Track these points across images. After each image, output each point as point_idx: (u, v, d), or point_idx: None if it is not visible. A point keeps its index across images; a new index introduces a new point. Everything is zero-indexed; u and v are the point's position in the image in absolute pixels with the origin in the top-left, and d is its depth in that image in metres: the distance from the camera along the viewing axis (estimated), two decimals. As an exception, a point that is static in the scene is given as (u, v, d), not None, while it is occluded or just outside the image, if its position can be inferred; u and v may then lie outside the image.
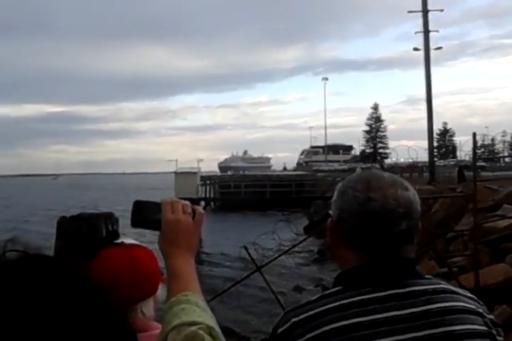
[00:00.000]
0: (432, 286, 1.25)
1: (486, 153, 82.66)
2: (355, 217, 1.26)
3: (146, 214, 1.18)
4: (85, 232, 1.59)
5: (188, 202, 1.19)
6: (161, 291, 1.51)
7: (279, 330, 1.22)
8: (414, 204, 1.27)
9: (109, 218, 1.65)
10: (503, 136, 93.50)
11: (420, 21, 27.40)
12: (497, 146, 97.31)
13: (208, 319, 1.02)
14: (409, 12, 28.18)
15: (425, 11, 27.22)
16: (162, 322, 1.03)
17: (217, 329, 1.00)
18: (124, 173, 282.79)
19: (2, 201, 57.04)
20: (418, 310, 1.19)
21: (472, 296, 1.30)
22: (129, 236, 1.64)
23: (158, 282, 1.53)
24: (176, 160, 59.45)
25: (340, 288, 1.25)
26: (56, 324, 0.70)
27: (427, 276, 1.30)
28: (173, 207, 1.16)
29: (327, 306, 1.21)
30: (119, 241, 1.56)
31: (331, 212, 1.34)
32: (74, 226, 1.61)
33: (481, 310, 1.25)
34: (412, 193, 1.29)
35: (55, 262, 0.79)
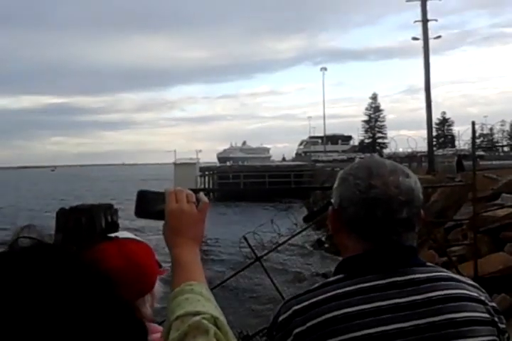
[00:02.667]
0: (433, 274, 1.25)
1: (484, 143, 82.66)
2: (356, 205, 1.25)
3: (150, 204, 1.18)
4: (84, 224, 1.56)
5: (191, 192, 1.18)
6: (159, 287, 1.46)
7: (280, 318, 1.22)
8: (416, 191, 1.27)
9: (109, 209, 1.63)
10: (501, 125, 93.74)
11: (420, 10, 27.31)
12: (496, 136, 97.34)
13: (213, 309, 1.01)
14: (407, 1, 28.06)
15: (424, 0, 27.09)
16: (166, 312, 1.02)
17: (222, 318, 0.99)
18: (123, 164, 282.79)
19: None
20: (420, 297, 1.19)
21: (475, 284, 1.30)
22: (125, 230, 1.60)
23: (155, 278, 1.45)
24: (175, 151, 59.27)
25: (341, 275, 1.25)
26: (65, 316, 0.69)
27: (429, 264, 1.30)
28: (177, 197, 1.16)
29: (328, 294, 1.21)
30: (113, 235, 1.49)
31: (332, 200, 1.33)
32: (74, 218, 1.59)
33: (483, 298, 1.25)
34: (414, 180, 1.28)
35: (68, 252, 0.78)
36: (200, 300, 1.01)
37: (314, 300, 1.21)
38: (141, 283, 1.41)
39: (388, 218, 1.24)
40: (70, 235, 1.56)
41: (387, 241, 1.25)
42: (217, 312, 1.00)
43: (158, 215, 1.17)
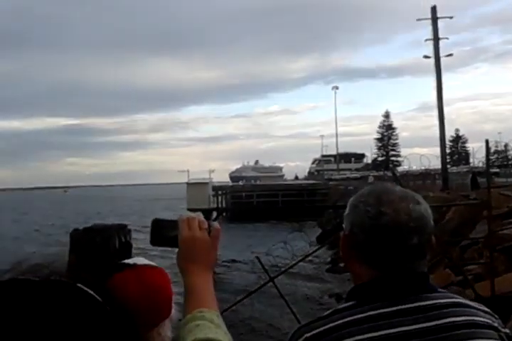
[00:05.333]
0: (444, 300, 1.24)
1: (499, 159, 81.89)
2: (367, 232, 1.25)
3: (164, 232, 1.21)
4: (98, 244, 1.57)
5: (203, 219, 1.20)
6: (174, 311, 1.49)
7: None
8: (427, 218, 1.26)
9: (122, 229, 1.64)
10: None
11: (431, 28, 27.41)
12: (510, 152, 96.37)
13: (223, 335, 1.01)
14: (418, 20, 28.22)
15: (434, 19, 27.24)
16: (177, 339, 1.03)
17: None
18: (135, 184, 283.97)
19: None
20: (429, 324, 1.18)
21: (487, 310, 1.28)
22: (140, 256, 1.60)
23: (171, 302, 1.49)
24: (188, 171, 59.43)
25: (352, 303, 1.25)
26: None
27: (441, 290, 1.29)
28: (190, 224, 1.18)
29: (340, 321, 1.21)
30: (131, 262, 1.52)
31: (344, 225, 1.33)
32: (88, 238, 1.60)
33: (496, 324, 1.24)
34: (424, 207, 1.28)
35: (76, 290, 0.78)
36: (210, 327, 1.02)
37: (325, 327, 1.21)
38: (161, 311, 1.43)
39: (399, 245, 1.24)
40: (83, 256, 1.57)
41: (398, 268, 1.24)
42: (227, 339, 1.01)
43: (172, 242, 1.20)
